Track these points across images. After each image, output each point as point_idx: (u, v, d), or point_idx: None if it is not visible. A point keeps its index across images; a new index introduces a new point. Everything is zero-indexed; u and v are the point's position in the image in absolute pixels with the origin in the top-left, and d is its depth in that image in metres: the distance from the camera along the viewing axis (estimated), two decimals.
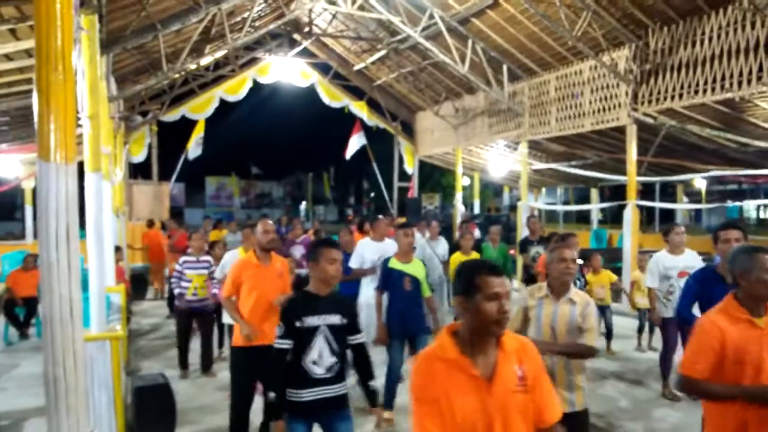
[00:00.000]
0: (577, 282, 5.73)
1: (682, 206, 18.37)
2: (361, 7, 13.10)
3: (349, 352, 3.46)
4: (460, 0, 12.30)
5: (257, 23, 14.22)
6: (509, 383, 2.06)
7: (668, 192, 24.76)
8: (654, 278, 6.05)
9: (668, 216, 22.15)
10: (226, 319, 6.69)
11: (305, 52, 17.34)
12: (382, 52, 16.01)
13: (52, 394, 2.65)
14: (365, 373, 3.45)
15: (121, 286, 7.03)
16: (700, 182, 20.29)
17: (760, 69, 8.61)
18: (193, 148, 17.38)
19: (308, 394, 3.26)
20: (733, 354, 2.63)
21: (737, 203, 24.05)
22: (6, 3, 5.43)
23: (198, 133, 17.33)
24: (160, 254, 12.84)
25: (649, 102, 10.60)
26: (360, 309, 6.21)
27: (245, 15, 12.93)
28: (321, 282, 3.38)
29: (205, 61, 14.63)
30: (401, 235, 5.54)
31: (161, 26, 10.61)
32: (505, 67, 13.73)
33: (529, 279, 8.10)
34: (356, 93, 18.65)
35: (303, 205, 55.46)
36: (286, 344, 3.26)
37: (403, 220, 14.34)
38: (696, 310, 4.16)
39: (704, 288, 4.07)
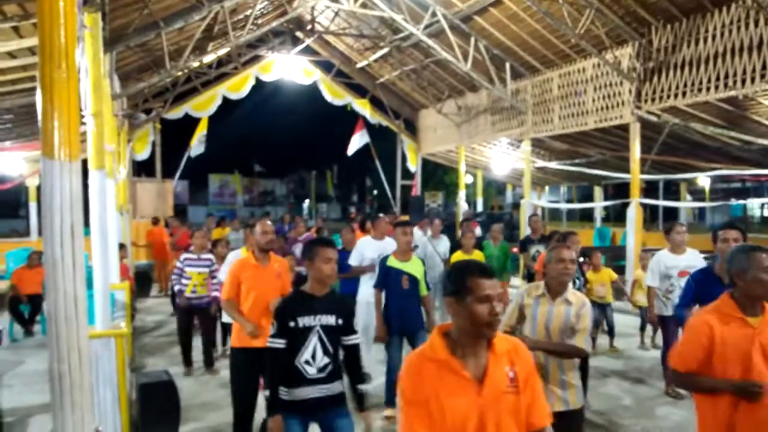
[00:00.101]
0: (577, 281, 5.72)
1: (685, 204, 18.33)
2: (364, 5, 13.09)
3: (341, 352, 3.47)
4: None
5: (260, 21, 14.22)
6: (500, 384, 2.05)
7: (672, 190, 24.70)
8: (654, 277, 6.05)
9: (672, 214, 22.08)
10: (226, 318, 6.70)
11: (308, 50, 17.33)
12: (385, 50, 16.00)
13: (57, 390, 2.67)
14: (355, 375, 3.44)
15: (126, 284, 7.05)
16: (703, 180, 20.22)
17: (764, 67, 8.59)
18: (196, 145, 17.40)
19: (302, 393, 3.28)
20: (721, 351, 2.66)
21: (741, 201, 23.91)
22: (9, 1, 5.44)
23: (201, 131, 17.35)
24: (164, 252, 12.88)
25: (653, 100, 10.58)
26: (359, 307, 6.23)
27: (248, 12, 12.94)
28: (317, 281, 3.38)
29: (208, 58, 14.63)
30: (399, 234, 5.55)
31: (164, 24, 10.63)
32: (507, 65, 13.72)
33: (531, 277, 8.10)
34: (359, 91, 18.64)
35: (306, 202, 55.46)
36: (278, 343, 3.27)
37: (406, 217, 14.36)
38: (696, 310, 4.16)
39: (703, 289, 4.08)
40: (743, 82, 8.89)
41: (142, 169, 18.05)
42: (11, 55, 6.72)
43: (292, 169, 61.73)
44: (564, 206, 22.00)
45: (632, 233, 11.07)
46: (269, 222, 4.85)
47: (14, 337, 8.84)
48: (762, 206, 38.94)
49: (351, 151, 19.41)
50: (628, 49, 10.95)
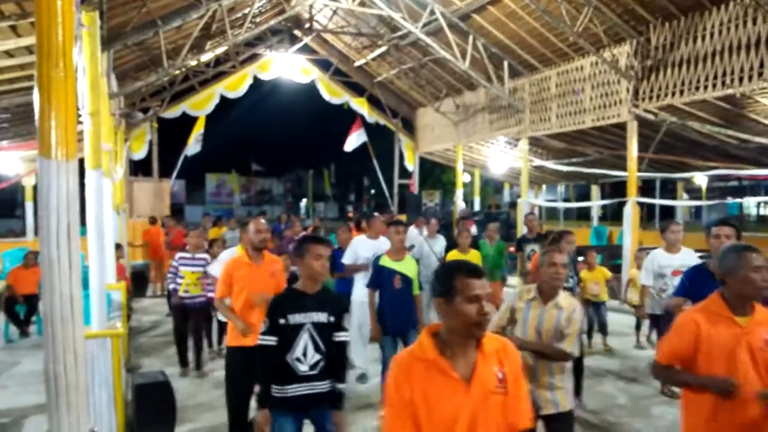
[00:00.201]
0: (571, 280, 5.72)
1: (682, 203, 18.36)
2: (362, 3, 13.09)
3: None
4: None
5: (258, 19, 14.21)
6: (488, 384, 2.05)
7: (669, 189, 24.73)
8: (648, 276, 6.05)
9: (669, 213, 22.14)
10: (222, 316, 6.68)
11: (306, 49, 17.32)
12: (383, 49, 16.00)
13: (53, 391, 2.65)
14: (336, 372, 3.39)
15: (122, 284, 7.02)
16: (700, 179, 20.26)
17: (761, 65, 8.60)
18: (192, 144, 17.38)
19: (293, 390, 3.28)
20: (707, 350, 2.66)
21: (737, 200, 24.00)
22: (7, 0, 5.42)
23: (198, 130, 17.32)
24: (161, 251, 12.86)
25: (650, 98, 10.59)
26: (353, 306, 6.22)
27: (246, 11, 12.92)
28: (308, 278, 3.38)
29: (206, 57, 14.62)
30: (392, 233, 5.54)
31: (162, 22, 10.60)
32: (505, 64, 13.72)
33: (527, 277, 8.10)
34: (357, 89, 18.64)
35: (303, 202, 55.46)
36: (268, 341, 3.27)
37: (403, 217, 14.35)
38: (686, 306, 4.16)
39: (696, 286, 4.06)
40: (741, 80, 8.90)
41: (139, 168, 18.01)
42: (9, 54, 6.70)
43: (289, 168, 61.80)
44: (561, 205, 22.04)
45: (629, 232, 11.08)
46: (263, 220, 4.82)
47: (10, 338, 8.81)
48: (758, 205, 39.05)
49: (347, 148, 19.35)
50: (626, 48, 10.96)
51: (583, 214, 26.61)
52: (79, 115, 5.08)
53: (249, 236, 4.72)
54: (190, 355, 7.05)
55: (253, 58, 16.63)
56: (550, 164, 16.48)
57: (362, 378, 6.47)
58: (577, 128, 12.62)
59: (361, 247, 6.46)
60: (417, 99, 18.82)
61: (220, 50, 14.54)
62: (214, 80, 16.42)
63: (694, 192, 26.12)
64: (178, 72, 14.32)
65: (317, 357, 3.32)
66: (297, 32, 16.91)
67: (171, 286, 6.97)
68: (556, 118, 13.07)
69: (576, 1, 10.36)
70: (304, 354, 3.29)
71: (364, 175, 50.66)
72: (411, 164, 19.95)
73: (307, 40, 16.96)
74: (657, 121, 10.94)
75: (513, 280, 11.72)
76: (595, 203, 18.96)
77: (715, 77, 9.30)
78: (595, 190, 19.85)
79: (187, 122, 17.08)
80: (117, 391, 4.65)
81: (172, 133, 18.39)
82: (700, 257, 5.76)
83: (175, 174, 17.92)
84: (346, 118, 19.53)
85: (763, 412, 2.57)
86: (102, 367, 4.54)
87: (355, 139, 19.12)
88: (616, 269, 11.02)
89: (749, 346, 2.64)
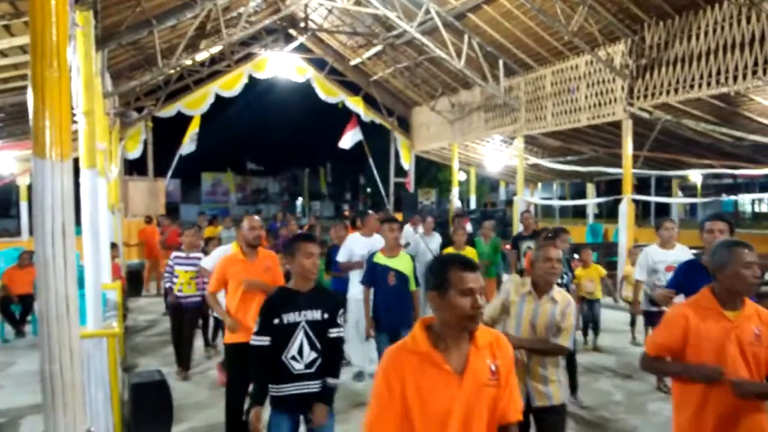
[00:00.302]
0: (565, 276, 5.74)
1: (677, 200, 18.42)
2: (357, 2, 13.07)
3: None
4: None
5: (253, 18, 14.17)
6: (481, 377, 2.06)
7: (664, 186, 24.82)
8: (642, 271, 6.07)
9: (664, 210, 22.20)
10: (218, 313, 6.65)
11: (301, 48, 17.30)
12: (378, 48, 15.99)
13: (49, 391, 2.65)
14: (329, 367, 3.38)
15: (118, 283, 7.00)
16: (695, 176, 20.33)
17: (756, 63, 8.63)
18: (187, 144, 17.30)
19: (289, 389, 3.28)
20: (696, 343, 2.70)
21: (732, 197, 24.08)
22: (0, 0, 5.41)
23: (193, 129, 17.26)
24: (156, 251, 12.84)
25: (645, 97, 10.62)
26: (349, 304, 6.23)
27: (241, 10, 12.89)
28: (300, 277, 3.39)
29: (201, 56, 14.59)
30: (386, 230, 5.56)
31: (156, 22, 10.58)
32: (501, 62, 13.73)
33: (522, 275, 8.11)
34: (352, 88, 18.62)
35: (299, 200, 55.39)
36: (261, 341, 3.28)
37: (399, 216, 14.36)
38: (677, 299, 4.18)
39: (688, 280, 4.07)
40: (735, 78, 8.94)
41: (133, 167, 17.94)
42: (2, 53, 6.68)
43: (285, 167, 61.68)
44: (557, 203, 22.07)
45: (624, 229, 11.12)
46: (257, 217, 4.86)
47: (5, 338, 8.79)
48: (753, 202, 39.19)
49: (342, 144, 19.28)
50: (621, 46, 10.98)
51: (579, 212, 26.67)
52: (74, 115, 5.06)
53: (243, 233, 4.75)
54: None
55: (248, 57, 16.59)
56: (546, 162, 16.51)
57: (359, 376, 6.48)
58: (572, 126, 12.65)
59: (356, 245, 6.47)
60: (412, 98, 18.82)
61: (215, 49, 14.51)
62: (209, 79, 16.37)
63: (689, 189, 26.19)
64: (172, 71, 14.29)
65: (313, 355, 3.32)
66: (292, 31, 16.88)
67: (167, 285, 6.97)
68: (551, 116, 13.10)
69: (571, 0, 10.38)
70: (300, 353, 3.30)
71: (360, 174, 50.65)
72: (407, 163, 19.95)
73: (302, 39, 16.93)
74: (652, 120, 10.98)
75: (507, 277, 11.75)
76: (591, 201, 19.01)
77: (710, 76, 9.33)
78: (590, 187, 19.89)
79: (182, 121, 17.03)
80: (113, 390, 4.64)
81: (167, 132, 18.33)
82: (695, 254, 5.78)
83: (170, 173, 17.85)
84: (341, 116, 19.52)
85: (748, 401, 2.61)
86: (98, 367, 4.53)
87: (350, 138, 19.09)
88: (612, 266, 11.05)
89: (738, 341, 2.67)
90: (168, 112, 16.22)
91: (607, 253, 12.67)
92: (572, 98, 12.38)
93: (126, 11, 9.93)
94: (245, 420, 4.40)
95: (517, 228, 12.28)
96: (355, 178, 54.58)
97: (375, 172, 19.76)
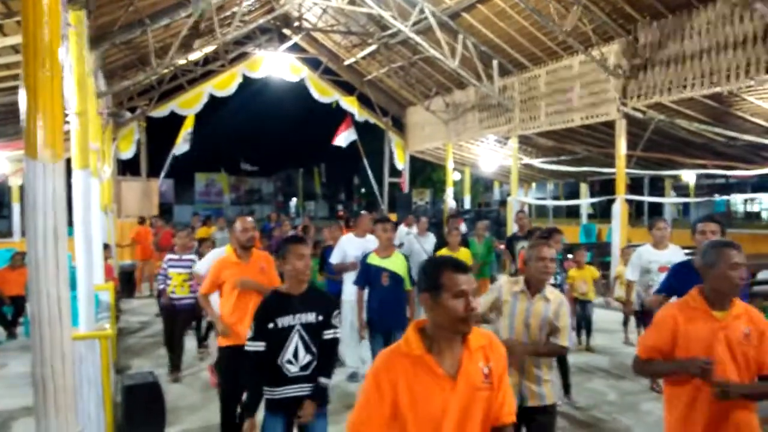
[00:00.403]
0: (558, 276, 5.75)
1: (670, 200, 18.50)
2: (351, 2, 13.06)
3: None
4: None
5: (246, 18, 14.14)
6: (474, 380, 2.05)
7: (657, 186, 24.89)
8: (635, 271, 6.08)
9: (657, 210, 22.30)
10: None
11: (295, 47, 17.27)
12: (373, 47, 15.98)
13: (41, 393, 2.63)
14: (323, 367, 3.37)
15: (110, 284, 6.97)
16: (688, 176, 20.43)
17: (748, 63, 8.67)
18: (181, 144, 17.24)
19: (284, 392, 3.27)
20: (684, 345, 2.71)
21: (725, 197, 24.21)
22: None
23: (186, 129, 17.20)
24: (149, 252, 12.79)
25: (638, 96, 10.65)
26: (344, 306, 6.21)
27: (234, 10, 12.86)
28: (293, 279, 3.37)
29: (194, 56, 14.54)
30: (379, 230, 5.54)
31: (150, 21, 10.54)
32: (495, 62, 13.75)
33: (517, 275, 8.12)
34: (346, 88, 18.61)
35: (294, 201, 55.32)
36: (256, 346, 3.26)
37: (394, 217, 14.35)
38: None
39: (682, 282, 4.08)
40: (728, 78, 8.97)
41: (126, 168, 17.87)
42: None
43: (279, 167, 61.58)
44: (551, 203, 22.13)
45: (618, 229, 11.15)
46: (249, 218, 4.79)
47: None
48: (745, 202, 39.40)
49: (336, 143, 19.24)
50: (615, 46, 11.01)
51: (573, 212, 26.76)
52: (66, 115, 5.03)
53: (236, 235, 4.70)
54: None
55: (242, 56, 16.55)
56: (539, 163, 16.54)
57: (353, 377, 6.47)
58: (566, 126, 12.68)
59: (349, 246, 6.45)
60: (407, 97, 18.83)
61: (208, 49, 14.47)
62: (202, 79, 16.32)
63: (681, 189, 26.30)
64: (166, 71, 14.24)
65: (308, 358, 3.31)
66: (286, 31, 16.84)
67: (161, 287, 6.94)
68: (545, 116, 13.12)
69: (565, 0, 10.40)
70: (295, 356, 3.29)
71: (354, 174, 50.61)
72: (401, 163, 19.96)
73: (296, 38, 16.90)
74: (645, 119, 11.01)
75: (501, 277, 11.77)
76: (584, 201, 19.06)
77: (703, 75, 9.37)
78: (584, 187, 19.95)
79: (175, 121, 16.97)
80: (106, 392, 4.62)
81: (161, 132, 18.29)
82: (687, 254, 5.80)
83: (163, 173, 17.78)
84: (336, 117, 19.51)
85: (736, 402, 2.63)
86: (90, 369, 4.50)
87: (344, 138, 19.08)
88: (606, 266, 11.09)
89: (727, 340, 2.68)
90: (161, 111, 16.17)
91: (601, 253, 12.70)
92: (566, 98, 12.39)
93: (119, 10, 9.89)
94: (238, 423, 4.39)
95: (512, 228, 12.30)
96: (349, 178, 54.55)
97: (369, 172, 19.75)
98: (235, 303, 4.57)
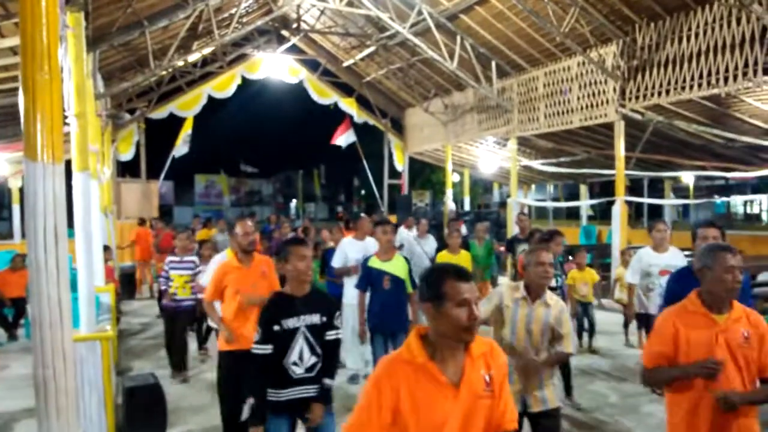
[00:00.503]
0: (559, 279, 5.74)
1: (670, 202, 18.50)
2: (350, 3, 13.08)
3: None
4: None
5: (245, 19, 14.15)
6: (477, 389, 2.04)
7: (656, 188, 24.90)
8: (635, 274, 6.08)
9: (656, 212, 22.30)
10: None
11: (293, 49, 17.28)
12: (371, 49, 16.00)
13: (42, 395, 2.63)
14: (327, 368, 3.39)
15: (111, 286, 6.97)
16: (687, 178, 20.45)
17: (746, 65, 8.69)
18: (180, 145, 17.26)
19: (289, 394, 3.28)
20: (685, 350, 2.72)
21: (724, 199, 24.23)
22: None
23: (186, 131, 17.21)
24: (149, 253, 12.78)
25: (637, 98, 10.66)
26: (345, 309, 6.20)
27: (233, 11, 12.87)
28: (295, 281, 3.37)
29: (193, 57, 14.55)
30: (380, 233, 5.53)
31: (148, 23, 10.55)
32: (493, 64, 13.77)
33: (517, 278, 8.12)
34: (345, 90, 18.62)
35: (293, 202, 55.29)
36: (264, 350, 3.25)
37: (393, 218, 14.36)
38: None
39: (683, 288, 4.08)
40: (726, 79, 8.99)
41: (126, 169, 17.89)
42: None
43: (279, 169, 61.52)
44: (550, 204, 22.14)
45: (617, 231, 11.15)
46: (249, 222, 4.76)
47: None
48: (745, 203, 39.43)
49: (335, 142, 19.24)
50: (613, 48, 11.03)
51: (573, 213, 26.76)
52: (65, 117, 5.03)
53: (237, 239, 4.67)
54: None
55: (241, 58, 16.56)
56: (538, 165, 16.55)
57: (354, 379, 6.47)
58: (564, 128, 12.69)
59: (350, 249, 6.44)
60: (406, 99, 18.84)
61: (207, 50, 14.49)
62: (201, 81, 16.34)
63: (681, 191, 26.33)
64: (165, 72, 14.26)
65: (313, 359, 3.32)
66: (284, 32, 16.87)
67: (163, 288, 6.94)
68: (544, 118, 13.13)
69: (562, 2, 10.42)
70: (300, 357, 3.29)
71: (354, 176, 50.61)
72: (401, 164, 19.97)
73: (294, 40, 16.92)
74: (644, 121, 11.03)
75: (502, 279, 11.76)
76: (584, 203, 19.07)
77: (701, 77, 9.38)
78: (583, 189, 19.96)
79: (174, 123, 16.99)
80: (107, 394, 4.62)
81: (160, 134, 18.27)
82: (687, 257, 5.80)
83: (163, 175, 17.80)
84: (335, 118, 19.52)
85: (735, 410, 2.63)
86: (91, 371, 4.51)
87: (343, 139, 19.09)
88: (606, 268, 11.09)
89: (727, 344, 2.69)
90: (160, 113, 16.18)
91: (601, 255, 12.70)
92: (564, 99, 12.41)
93: (117, 12, 9.89)
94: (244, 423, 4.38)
95: (512, 230, 12.31)
96: (349, 179, 54.54)
97: (369, 173, 19.76)
98: (237, 308, 4.56)
